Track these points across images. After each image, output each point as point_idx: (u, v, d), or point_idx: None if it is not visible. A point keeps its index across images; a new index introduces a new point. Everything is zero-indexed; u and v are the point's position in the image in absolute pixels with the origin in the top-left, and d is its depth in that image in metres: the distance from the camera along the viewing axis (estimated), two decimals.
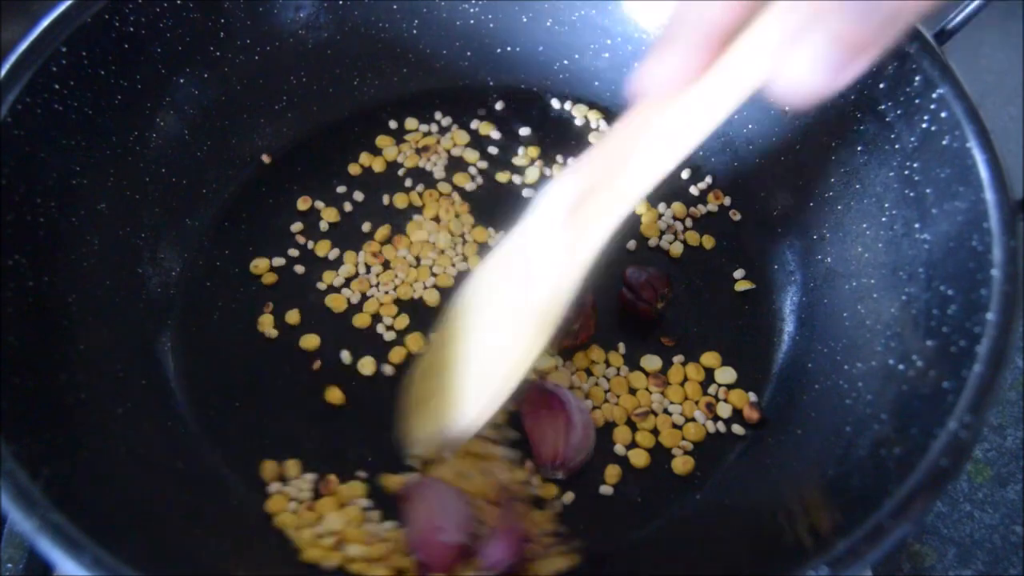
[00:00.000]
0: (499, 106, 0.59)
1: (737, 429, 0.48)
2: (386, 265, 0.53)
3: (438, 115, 0.59)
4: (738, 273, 0.53)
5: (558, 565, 0.43)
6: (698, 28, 0.29)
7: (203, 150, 0.54)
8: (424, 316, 0.51)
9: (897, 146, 0.46)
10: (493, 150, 0.58)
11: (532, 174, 0.57)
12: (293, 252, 0.53)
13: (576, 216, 0.34)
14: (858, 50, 0.27)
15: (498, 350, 0.38)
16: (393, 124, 0.58)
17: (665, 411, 0.48)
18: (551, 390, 0.46)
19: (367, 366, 0.49)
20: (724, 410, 0.48)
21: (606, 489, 0.46)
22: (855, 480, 0.39)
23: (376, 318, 0.51)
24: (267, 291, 0.52)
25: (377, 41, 0.58)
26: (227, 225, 0.54)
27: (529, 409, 0.46)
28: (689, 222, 0.55)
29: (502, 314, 0.38)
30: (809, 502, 0.40)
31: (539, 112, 0.59)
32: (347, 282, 0.52)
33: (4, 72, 0.44)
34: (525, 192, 0.56)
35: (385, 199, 0.55)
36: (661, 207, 0.56)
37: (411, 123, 0.58)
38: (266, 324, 0.50)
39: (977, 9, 0.47)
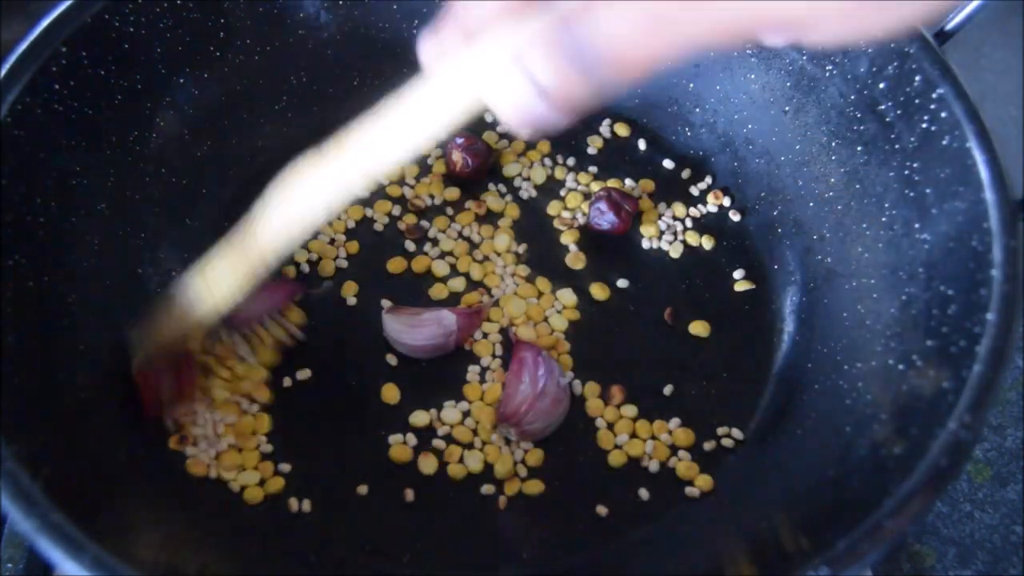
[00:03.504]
0: None
1: (736, 406, 0.48)
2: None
3: None
4: (738, 273, 0.53)
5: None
6: (464, 20, 0.29)
7: (203, 150, 0.54)
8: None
9: (897, 146, 0.46)
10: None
11: (536, 175, 0.57)
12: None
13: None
14: (552, 100, 0.26)
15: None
16: None
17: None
18: (541, 356, 0.47)
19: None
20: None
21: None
22: (855, 480, 0.40)
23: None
24: None
25: (377, 41, 0.58)
26: (227, 225, 0.54)
27: (516, 367, 0.47)
28: (689, 222, 0.55)
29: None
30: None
31: None
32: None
33: (4, 72, 0.44)
34: (524, 193, 0.56)
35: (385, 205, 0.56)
36: (661, 207, 0.56)
37: None
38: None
39: (977, 9, 0.47)
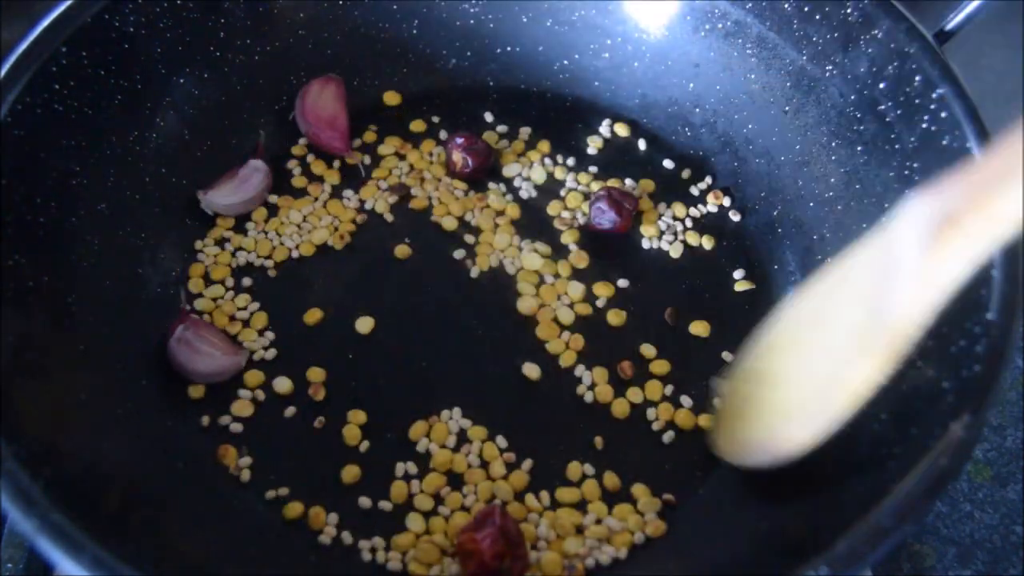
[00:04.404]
0: (499, 106, 0.59)
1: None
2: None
3: (437, 117, 0.59)
4: (738, 273, 0.53)
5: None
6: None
7: (203, 150, 0.54)
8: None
9: (897, 146, 0.46)
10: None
11: (536, 175, 0.57)
12: (295, 254, 0.53)
13: (950, 231, 0.31)
14: None
15: (834, 373, 0.36)
16: (396, 127, 0.58)
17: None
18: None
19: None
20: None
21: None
22: (855, 480, 0.39)
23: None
24: (267, 293, 0.52)
25: (377, 41, 0.58)
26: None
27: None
28: (689, 222, 0.55)
29: (841, 335, 0.36)
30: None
31: (539, 112, 0.59)
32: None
33: (4, 72, 0.44)
34: (524, 193, 0.56)
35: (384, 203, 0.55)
36: (661, 207, 0.56)
37: (416, 125, 0.58)
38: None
39: (977, 9, 0.47)
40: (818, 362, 0.37)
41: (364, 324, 0.50)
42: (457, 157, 0.55)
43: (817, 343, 0.37)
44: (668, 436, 0.48)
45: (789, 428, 0.38)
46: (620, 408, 0.48)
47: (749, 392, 0.42)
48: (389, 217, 0.55)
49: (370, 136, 0.58)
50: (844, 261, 0.36)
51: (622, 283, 0.53)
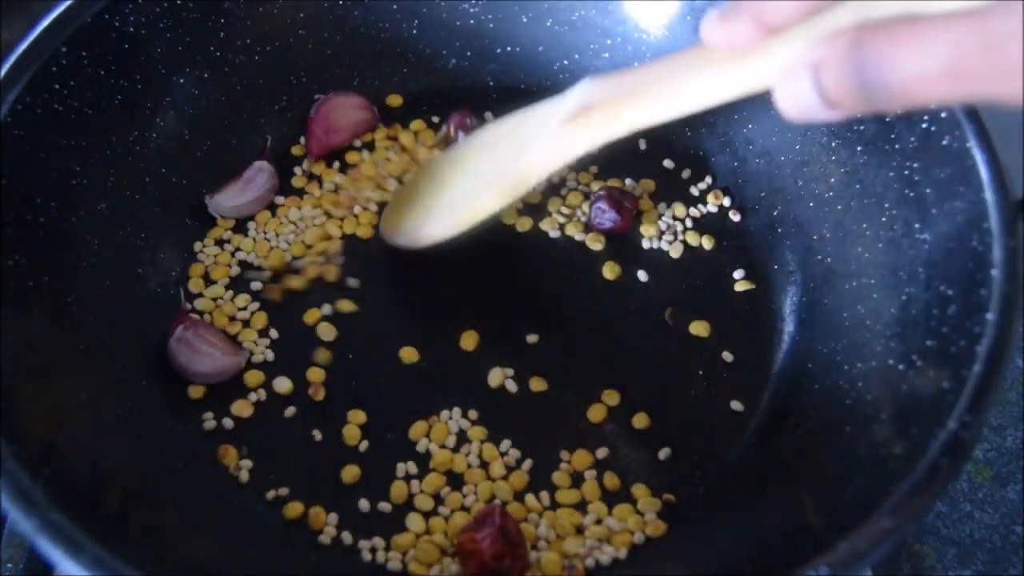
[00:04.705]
0: (499, 106, 0.59)
1: (736, 405, 0.48)
2: None
3: (436, 117, 0.59)
4: (738, 273, 0.53)
5: None
6: (761, 13, 0.31)
7: (203, 150, 0.54)
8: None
9: (897, 146, 0.46)
10: None
11: None
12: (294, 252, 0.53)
13: (583, 116, 0.38)
14: (832, 107, 0.29)
15: (473, 192, 0.45)
16: (396, 124, 0.59)
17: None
18: None
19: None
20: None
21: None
22: (855, 480, 0.40)
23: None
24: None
25: (377, 41, 0.58)
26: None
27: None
28: (689, 222, 0.55)
29: (489, 165, 0.45)
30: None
31: None
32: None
33: (4, 72, 0.44)
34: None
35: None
36: (661, 207, 0.56)
37: (416, 125, 0.58)
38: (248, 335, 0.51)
39: None
40: (464, 182, 0.46)
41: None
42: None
43: (471, 167, 0.46)
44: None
45: (427, 223, 0.47)
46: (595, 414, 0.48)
47: (416, 188, 0.50)
48: None
49: (370, 136, 0.58)
50: (522, 113, 0.44)
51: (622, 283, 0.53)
